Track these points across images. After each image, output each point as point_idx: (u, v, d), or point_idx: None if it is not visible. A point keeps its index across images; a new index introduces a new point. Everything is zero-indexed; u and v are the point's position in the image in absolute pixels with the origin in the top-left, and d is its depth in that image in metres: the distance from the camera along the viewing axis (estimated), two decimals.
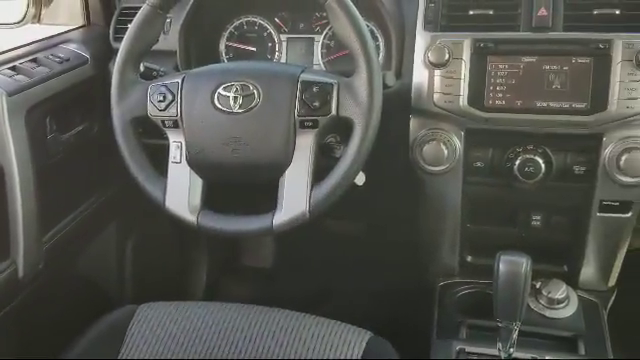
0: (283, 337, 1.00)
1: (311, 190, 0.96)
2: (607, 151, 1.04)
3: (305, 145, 0.97)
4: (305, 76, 0.98)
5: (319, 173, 0.98)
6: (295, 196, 0.96)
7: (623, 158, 1.02)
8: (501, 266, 0.93)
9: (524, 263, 0.92)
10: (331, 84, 0.96)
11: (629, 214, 1.10)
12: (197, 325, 1.02)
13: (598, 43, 1.00)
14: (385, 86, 1.08)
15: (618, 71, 0.99)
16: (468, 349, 1.05)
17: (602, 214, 1.10)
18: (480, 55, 1.05)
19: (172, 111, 0.99)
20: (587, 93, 1.01)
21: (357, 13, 0.94)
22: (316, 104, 0.95)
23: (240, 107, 0.97)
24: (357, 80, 0.95)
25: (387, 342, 1.00)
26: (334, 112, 0.95)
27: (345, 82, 0.96)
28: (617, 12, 1.02)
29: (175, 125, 1.00)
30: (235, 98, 0.97)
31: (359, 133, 0.94)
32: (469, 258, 1.29)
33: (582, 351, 1.05)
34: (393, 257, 1.65)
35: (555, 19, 1.03)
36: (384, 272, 1.73)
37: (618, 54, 0.99)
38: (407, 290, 1.44)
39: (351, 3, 0.94)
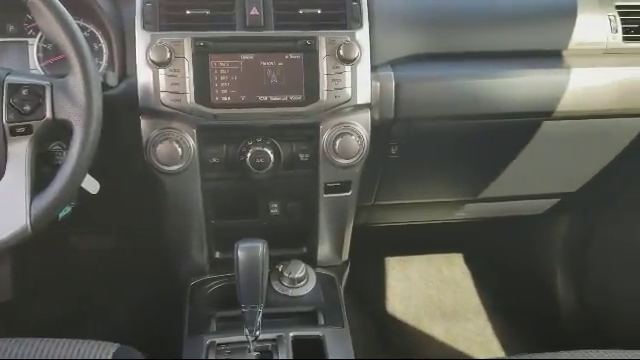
0: None
1: (31, 202, 0.89)
2: (324, 137, 1.13)
3: (19, 154, 0.89)
4: (11, 79, 0.90)
5: (42, 183, 0.91)
6: (13, 210, 0.88)
7: (337, 142, 1.13)
8: (239, 254, 0.96)
9: (260, 247, 0.97)
10: (43, 86, 0.90)
11: (349, 192, 1.22)
12: None
13: (305, 40, 1.09)
14: (107, 86, 1.05)
15: (324, 65, 1.09)
16: (218, 340, 1.07)
17: (328, 195, 1.21)
18: (202, 53, 1.07)
19: None
20: (301, 86, 1.09)
21: (63, 8, 0.89)
22: (27, 108, 0.89)
23: None
24: (72, 80, 0.90)
25: (134, 350, 0.98)
26: (49, 115, 0.89)
27: (59, 83, 0.91)
28: (319, 12, 1.12)
29: None
30: None
31: (80, 135, 0.90)
32: (217, 254, 1.32)
33: (321, 321, 1.15)
34: (147, 264, 1.60)
35: (267, 18, 1.10)
36: (139, 281, 1.68)
37: (323, 50, 1.09)
38: (162, 295, 1.41)
39: None
